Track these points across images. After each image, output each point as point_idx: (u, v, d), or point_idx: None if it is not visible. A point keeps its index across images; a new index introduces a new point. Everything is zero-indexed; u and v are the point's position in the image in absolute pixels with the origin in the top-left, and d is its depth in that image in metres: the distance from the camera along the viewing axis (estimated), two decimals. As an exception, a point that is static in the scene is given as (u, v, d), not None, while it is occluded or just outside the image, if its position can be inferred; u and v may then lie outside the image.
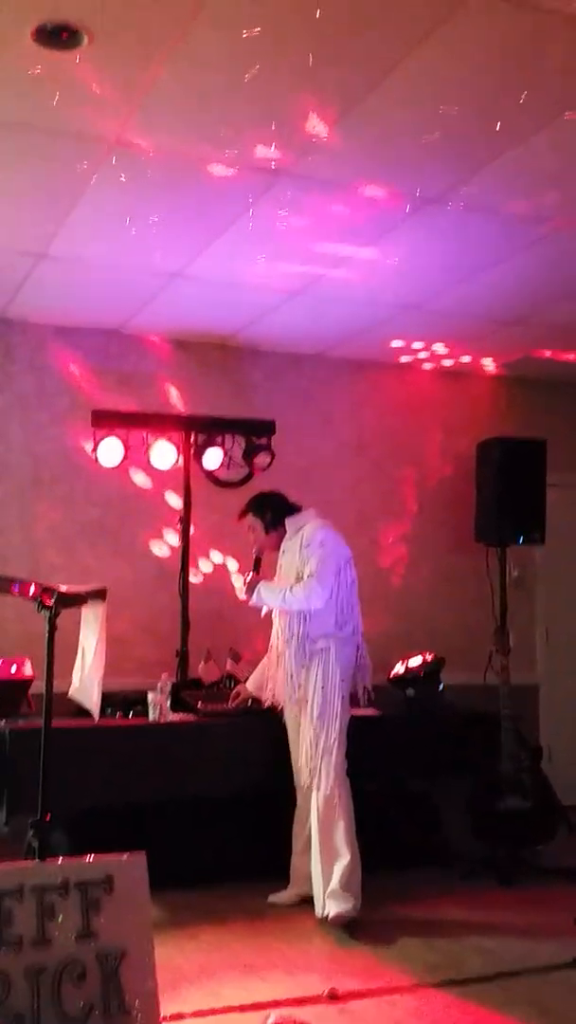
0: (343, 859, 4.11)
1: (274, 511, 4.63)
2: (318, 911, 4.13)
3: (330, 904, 4.07)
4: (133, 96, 3.25)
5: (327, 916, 4.06)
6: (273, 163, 3.69)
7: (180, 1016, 3.17)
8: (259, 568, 4.55)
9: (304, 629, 4.33)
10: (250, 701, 4.72)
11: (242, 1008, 3.24)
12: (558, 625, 6.70)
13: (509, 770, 5.01)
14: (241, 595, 4.57)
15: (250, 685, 4.70)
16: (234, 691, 4.81)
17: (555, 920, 4.20)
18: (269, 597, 4.42)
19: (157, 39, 2.95)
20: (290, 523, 4.57)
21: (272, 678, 4.50)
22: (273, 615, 4.57)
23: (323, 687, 4.26)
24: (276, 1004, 3.24)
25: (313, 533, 4.44)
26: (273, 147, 3.57)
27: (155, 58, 3.04)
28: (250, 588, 4.44)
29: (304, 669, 4.30)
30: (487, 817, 4.97)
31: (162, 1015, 3.05)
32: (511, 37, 2.96)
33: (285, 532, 4.56)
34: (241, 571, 4.84)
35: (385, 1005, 3.34)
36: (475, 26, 2.89)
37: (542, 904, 4.45)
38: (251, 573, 4.50)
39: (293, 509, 4.63)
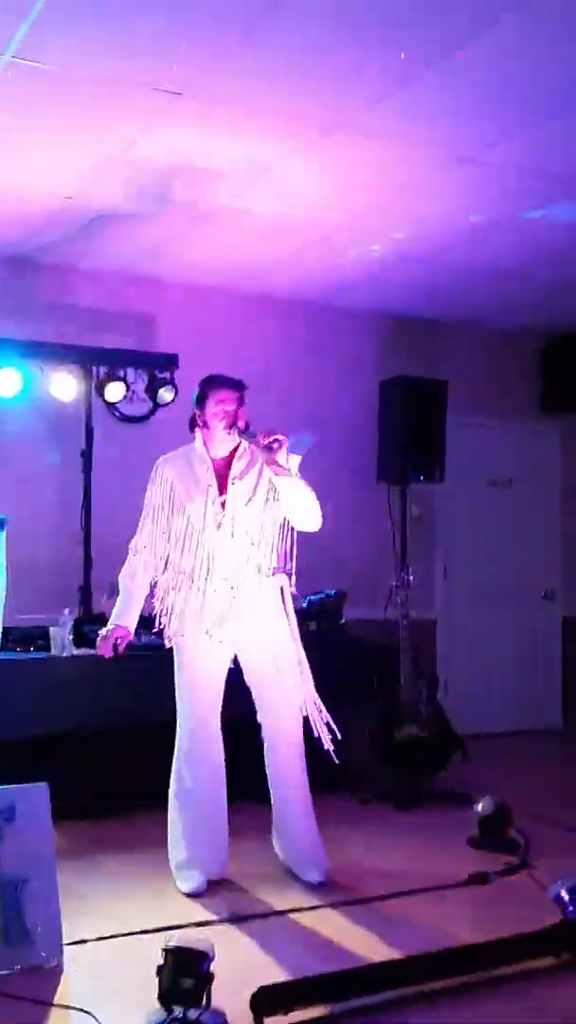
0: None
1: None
2: (318, 876, 3.79)
3: (321, 868, 3.83)
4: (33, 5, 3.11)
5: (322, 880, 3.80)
6: (177, 83, 3.59)
7: (83, 942, 3.18)
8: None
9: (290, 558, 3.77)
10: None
11: (145, 932, 3.27)
12: (456, 562, 6.86)
13: (407, 701, 5.14)
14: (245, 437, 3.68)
15: (130, 623, 3.80)
16: (109, 635, 3.78)
17: (449, 842, 4.36)
18: (293, 470, 3.62)
19: None
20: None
21: (203, 609, 3.71)
22: (235, 535, 3.71)
23: (293, 628, 3.78)
24: (179, 927, 3.29)
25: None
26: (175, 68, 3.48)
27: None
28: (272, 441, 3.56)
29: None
30: (387, 746, 5.11)
31: (65, 941, 3.07)
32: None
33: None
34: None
35: (286, 923, 3.43)
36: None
37: (437, 828, 4.61)
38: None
39: None
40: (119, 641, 3.78)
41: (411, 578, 5.40)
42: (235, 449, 3.77)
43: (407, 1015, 2.75)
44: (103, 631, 3.82)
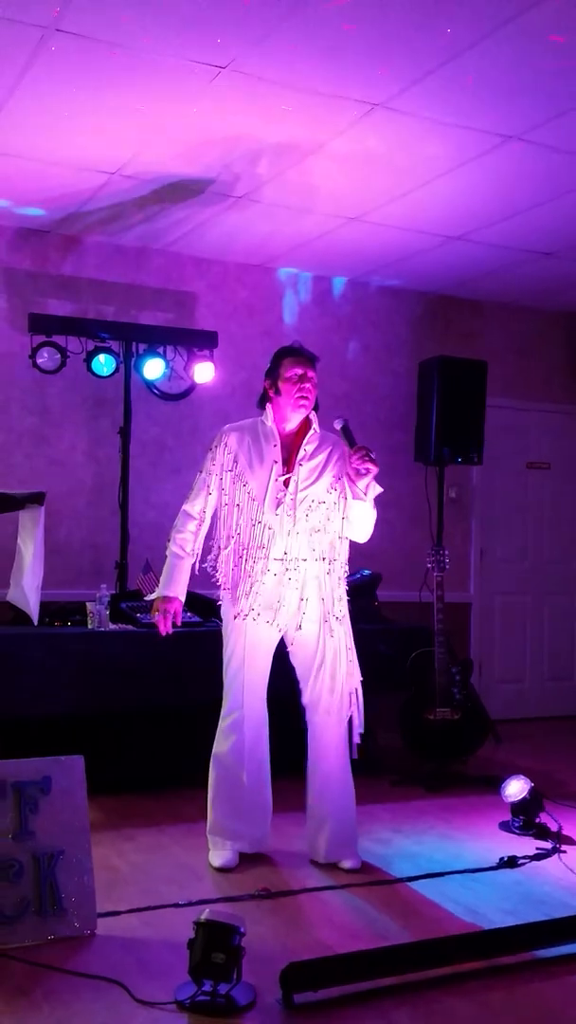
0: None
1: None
2: (354, 863, 3.75)
3: (356, 855, 3.80)
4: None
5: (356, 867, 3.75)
6: (223, 58, 3.56)
7: (115, 913, 3.21)
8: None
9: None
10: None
11: (176, 905, 3.31)
12: (491, 545, 6.82)
13: (441, 684, 5.12)
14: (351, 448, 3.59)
15: (180, 593, 3.76)
16: (165, 610, 3.72)
17: (479, 826, 4.36)
18: (370, 498, 3.65)
19: None
20: (316, 418, 3.74)
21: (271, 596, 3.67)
22: (295, 517, 3.64)
23: (345, 615, 3.78)
24: (211, 901, 3.31)
25: None
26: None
27: None
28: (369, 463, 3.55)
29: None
30: (418, 728, 5.10)
31: (98, 912, 3.11)
32: None
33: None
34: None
35: (315, 902, 3.44)
36: None
37: (467, 811, 4.60)
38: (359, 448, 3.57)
39: None
40: (175, 615, 3.75)
41: (447, 560, 5.37)
42: (304, 429, 3.70)
43: (436, 996, 2.76)
44: (154, 600, 3.75)
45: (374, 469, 3.55)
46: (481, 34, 3.38)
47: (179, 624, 3.78)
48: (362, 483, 3.58)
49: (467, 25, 3.33)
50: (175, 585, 3.75)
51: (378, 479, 3.65)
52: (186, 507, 3.78)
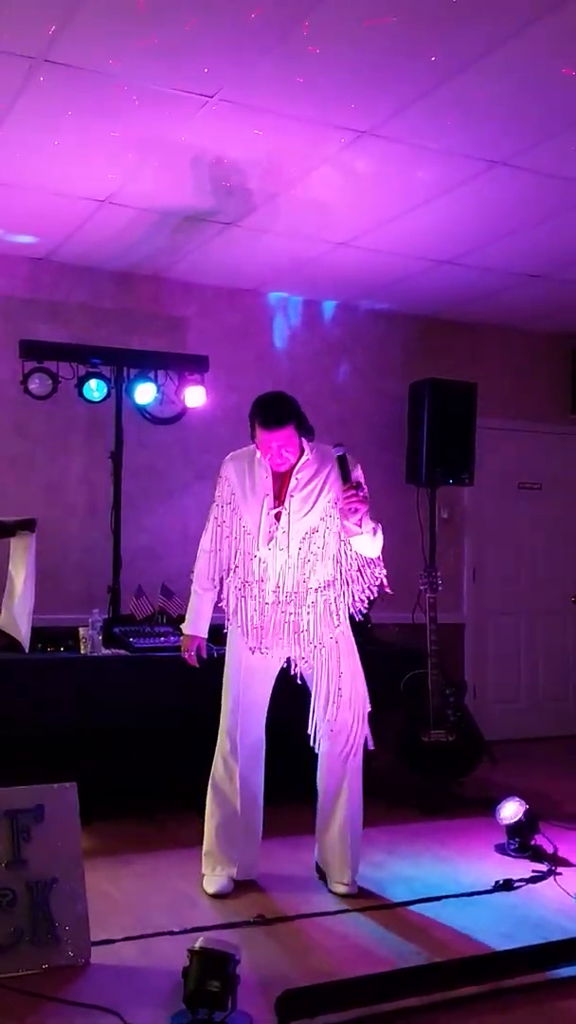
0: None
1: (306, 422, 3.67)
2: (348, 888, 3.74)
3: (353, 881, 3.78)
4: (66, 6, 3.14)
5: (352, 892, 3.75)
6: (211, 86, 3.60)
7: (110, 942, 3.20)
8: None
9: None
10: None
11: (171, 933, 3.29)
12: (484, 566, 6.83)
13: (435, 705, 5.12)
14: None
15: (202, 631, 3.89)
16: (188, 650, 3.89)
17: (475, 848, 4.34)
18: (367, 528, 3.59)
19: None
20: (310, 445, 3.71)
21: (276, 624, 3.68)
22: (288, 550, 3.64)
23: (351, 639, 3.78)
24: (206, 928, 3.29)
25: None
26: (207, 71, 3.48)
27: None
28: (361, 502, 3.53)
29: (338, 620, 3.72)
30: (414, 750, 5.09)
31: (92, 940, 3.09)
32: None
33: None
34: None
35: (311, 927, 3.42)
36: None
37: (463, 833, 4.59)
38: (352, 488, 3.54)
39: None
40: (199, 649, 3.89)
41: (439, 581, 5.38)
42: (298, 457, 3.64)
43: (434, 1021, 2.74)
44: (182, 640, 3.92)
45: (362, 508, 3.51)
46: (466, 62, 3.42)
47: (204, 657, 3.91)
48: (352, 520, 3.53)
49: (452, 53, 3.36)
50: (196, 623, 3.89)
51: (371, 499, 3.61)
52: (202, 543, 3.83)
